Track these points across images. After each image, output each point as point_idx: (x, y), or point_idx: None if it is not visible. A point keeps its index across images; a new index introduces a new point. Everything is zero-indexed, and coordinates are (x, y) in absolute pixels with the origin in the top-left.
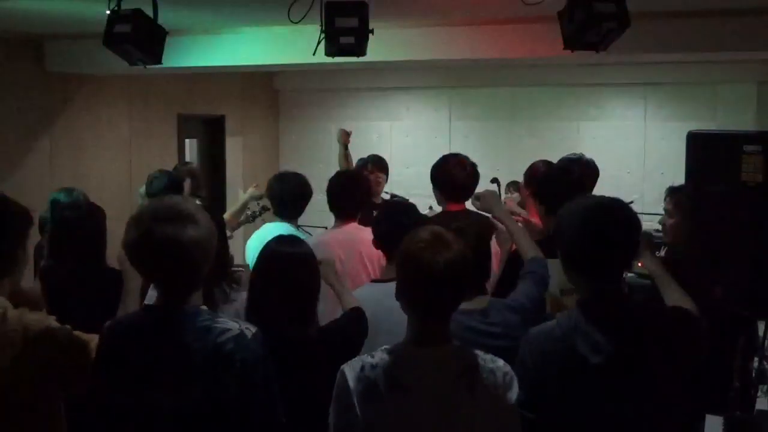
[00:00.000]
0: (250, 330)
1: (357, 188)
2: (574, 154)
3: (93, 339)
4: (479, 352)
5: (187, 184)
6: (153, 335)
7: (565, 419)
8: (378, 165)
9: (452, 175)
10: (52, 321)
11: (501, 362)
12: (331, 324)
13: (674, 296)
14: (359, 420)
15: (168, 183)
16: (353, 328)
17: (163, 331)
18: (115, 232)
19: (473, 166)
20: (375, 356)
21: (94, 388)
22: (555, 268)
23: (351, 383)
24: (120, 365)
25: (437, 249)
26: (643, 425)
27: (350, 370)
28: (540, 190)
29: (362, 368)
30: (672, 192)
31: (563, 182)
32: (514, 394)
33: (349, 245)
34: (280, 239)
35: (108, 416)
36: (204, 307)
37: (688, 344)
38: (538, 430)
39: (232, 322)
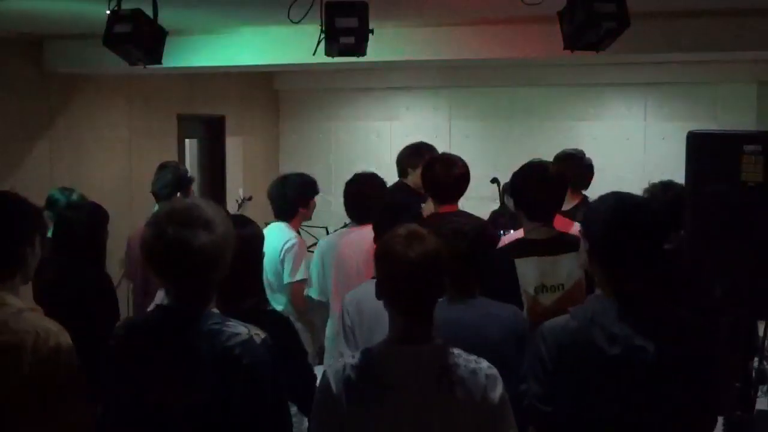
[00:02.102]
0: (260, 335)
1: (373, 192)
2: (574, 149)
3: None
4: (462, 352)
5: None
6: (162, 336)
7: (582, 411)
8: None
9: (438, 177)
10: (63, 331)
11: (485, 363)
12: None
13: None
14: (342, 422)
15: (172, 180)
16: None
17: (173, 332)
18: (115, 231)
19: (463, 166)
20: (356, 356)
21: (103, 386)
22: (530, 266)
23: (333, 385)
24: (129, 364)
25: (410, 244)
26: (657, 418)
27: (332, 372)
28: (513, 198)
29: (344, 369)
30: (644, 190)
31: (532, 187)
32: (497, 394)
33: (359, 248)
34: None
35: (116, 415)
36: (215, 311)
37: (700, 344)
38: (555, 422)
39: (242, 326)
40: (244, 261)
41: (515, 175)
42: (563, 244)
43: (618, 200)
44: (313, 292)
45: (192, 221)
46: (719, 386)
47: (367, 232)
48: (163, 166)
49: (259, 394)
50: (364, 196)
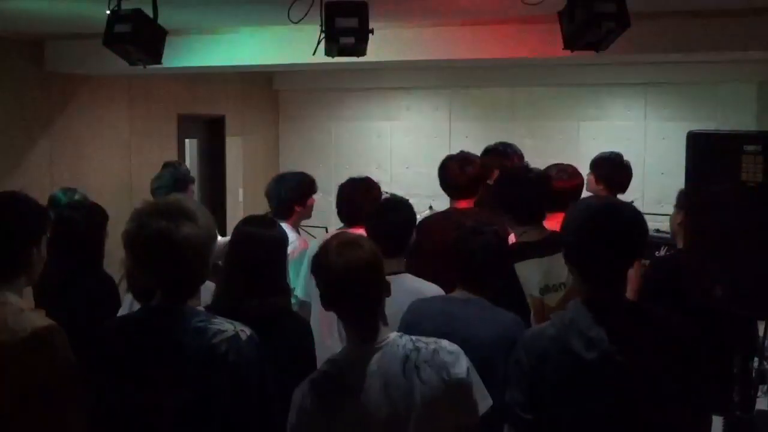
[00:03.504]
0: (245, 332)
1: (367, 194)
2: (611, 152)
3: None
4: (420, 337)
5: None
6: (148, 334)
7: (562, 418)
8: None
9: (452, 178)
10: (61, 331)
11: (445, 342)
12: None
13: None
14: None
15: (170, 180)
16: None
17: (159, 330)
18: (115, 231)
19: (479, 165)
20: (321, 368)
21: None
22: (532, 268)
23: (306, 397)
24: (115, 362)
25: (340, 252)
26: (639, 423)
27: (304, 384)
28: (500, 206)
29: (311, 383)
30: (679, 191)
31: (515, 192)
32: (463, 367)
33: None
34: (248, 220)
35: (102, 413)
36: (201, 308)
37: (681, 347)
38: (536, 430)
39: (228, 323)
40: (272, 260)
41: (496, 182)
42: (557, 242)
43: (590, 205)
44: (298, 292)
45: (173, 213)
46: (706, 387)
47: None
48: (165, 165)
49: (245, 390)
50: (355, 199)
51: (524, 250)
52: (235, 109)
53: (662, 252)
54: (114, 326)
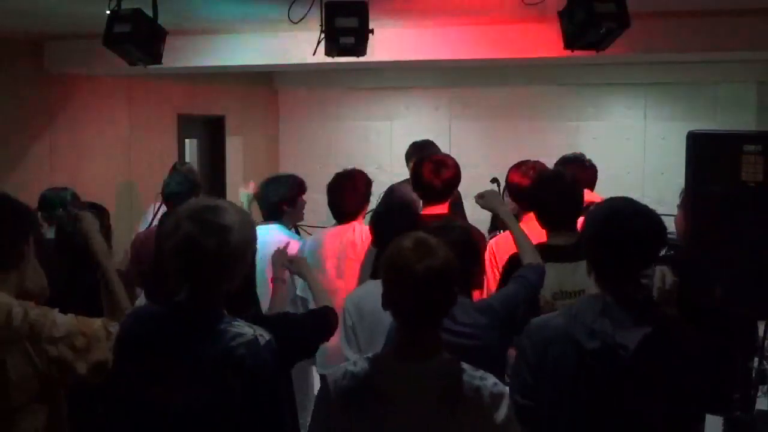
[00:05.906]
0: (264, 337)
1: (354, 189)
2: (573, 153)
3: (100, 331)
4: (468, 368)
5: None
6: (169, 333)
7: (561, 405)
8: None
9: (426, 179)
10: (56, 314)
11: (491, 380)
12: (282, 315)
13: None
14: (338, 429)
15: (187, 185)
16: (308, 324)
17: (179, 330)
18: (114, 231)
19: (454, 167)
20: (357, 364)
21: (106, 380)
22: (549, 272)
23: (332, 391)
24: (134, 359)
25: (419, 256)
26: (633, 416)
27: (332, 379)
28: (532, 208)
29: (344, 376)
30: (681, 191)
31: (552, 195)
32: (501, 414)
33: (340, 246)
34: None
35: (117, 409)
36: (223, 311)
37: (681, 347)
38: (536, 416)
39: (247, 327)
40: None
41: (533, 187)
42: None
43: (615, 204)
44: (298, 290)
45: (208, 224)
46: (702, 386)
47: (344, 231)
48: (176, 169)
49: (259, 395)
50: (341, 194)
51: (545, 253)
52: (235, 109)
53: (663, 252)
54: (137, 319)
